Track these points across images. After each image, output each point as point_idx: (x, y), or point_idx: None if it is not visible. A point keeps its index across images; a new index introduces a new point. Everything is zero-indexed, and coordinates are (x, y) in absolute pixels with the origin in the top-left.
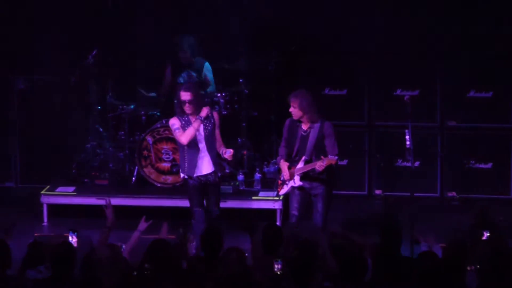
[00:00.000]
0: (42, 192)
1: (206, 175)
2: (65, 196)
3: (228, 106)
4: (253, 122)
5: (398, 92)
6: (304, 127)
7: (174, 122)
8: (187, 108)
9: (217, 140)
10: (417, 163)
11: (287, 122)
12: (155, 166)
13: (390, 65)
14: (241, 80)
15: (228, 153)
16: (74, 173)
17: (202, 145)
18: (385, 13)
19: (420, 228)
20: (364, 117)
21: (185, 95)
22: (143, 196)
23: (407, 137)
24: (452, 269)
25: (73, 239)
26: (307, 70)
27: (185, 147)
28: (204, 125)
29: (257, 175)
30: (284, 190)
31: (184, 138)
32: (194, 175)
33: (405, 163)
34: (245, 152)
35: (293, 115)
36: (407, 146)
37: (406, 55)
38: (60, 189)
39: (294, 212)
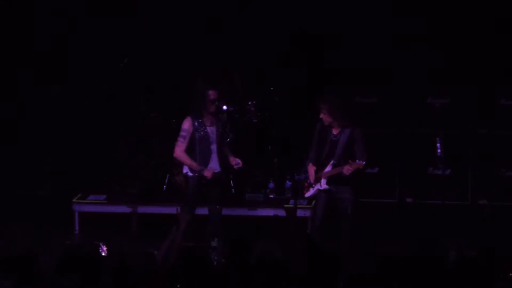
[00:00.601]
0: (74, 200)
1: (213, 175)
2: (96, 204)
3: (258, 114)
4: (284, 130)
5: (430, 100)
6: (335, 131)
7: (185, 127)
8: (213, 107)
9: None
10: (448, 171)
11: (318, 126)
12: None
13: (421, 73)
14: (271, 88)
15: (237, 164)
16: (106, 181)
17: (214, 146)
18: (418, 21)
19: (451, 235)
20: (395, 124)
21: (214, 94)
22: (174, 204)
23: (438, 145)
24: (484, 276)
25: (103, 249)
26: (338, 77)
27: (197, 147)
28: (216, 126)
29: (288, 183)
30: (310, 192)
31: (178, 154)
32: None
33: (436, 171)
34: (275, 160)
35: (323, 121)
36: (438, 154)
37: (437, 63)
38: (91, 197)
39: (319, 215)
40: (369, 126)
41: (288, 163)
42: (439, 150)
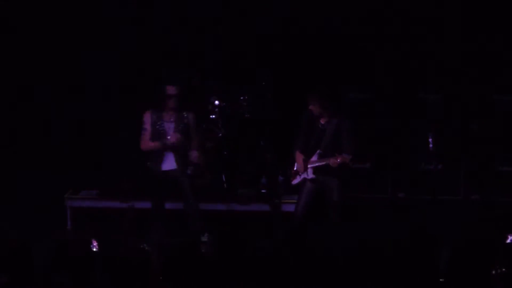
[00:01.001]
0: (66, 195)
1: (168, 171)
2: (88, 199)
3: (251, 109)
4: (277, 125)
5: (422, 95)
6: (322, 121)
7: (144, 120)
8: (171, 103)
9: (192, 140)
10: (440, 166)
11: (306, 114)
12: None
13: (414, 68)
14: (264, 83)
15: (192, 156)
16: (99, 176)
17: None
18: (413, 19)
19: (443, 231)
20: (387, 120)
21: (171, 89)
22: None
23: (430, 140)
24: (477, 272)
25: (94, 244)
26: (332, 74)
27: (153, 140)
28: (176, 123)
29: (280, 178)
30: (296, 180)
31: (143, 146)
32: (160, 170)
33: (428, 166)
34: (268, 155)
35: (313, 112)
36: (430, 149)
37: (430, 58)
38: (83, 192)
39: (302, 203)
40: (361, 121)
41: (281, 158)
42: (431, 145)
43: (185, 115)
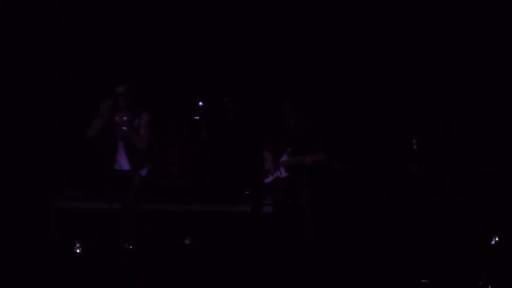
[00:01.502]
0: (50, 196)
1: (122, 171)
2: (73, 200)
3: (235, 110)
4: (260, 126)
5: (405, 95)
6: (292, 120)
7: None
8: (120, 102)
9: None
10: (424, 167)
11: (277, 113)
12: (162, 169)
13: (397, 68)
14: (248, 84)
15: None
16: (83, 176)
17: (121, 143)
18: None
19: (426, 232)
20: (370, 120)
21: (119, 88)
22: (152, 200)
23: (414, 140)
24: (462, 274)
25: (78, 246)
26: (313, 75)
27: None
28: (128, 125)
29: (266, 179)
30: (269, 179)
31: (88, 131)
32: (112, 169)
33: (413, 167)
34: (252, 155)
35: (282, 111)
36: (414, 150)
37: (411, 58)
38: (68, 193)
39: (278, 201)
40: (343, 122)
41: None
42: (415, 146)
43: (138, 114)
